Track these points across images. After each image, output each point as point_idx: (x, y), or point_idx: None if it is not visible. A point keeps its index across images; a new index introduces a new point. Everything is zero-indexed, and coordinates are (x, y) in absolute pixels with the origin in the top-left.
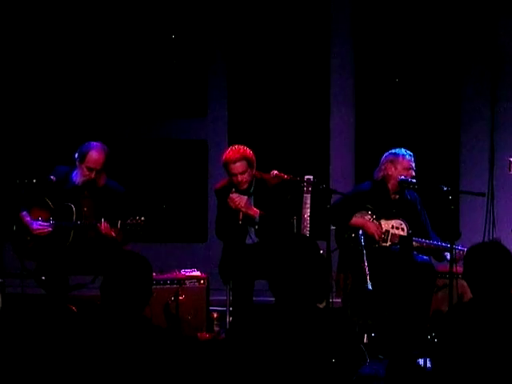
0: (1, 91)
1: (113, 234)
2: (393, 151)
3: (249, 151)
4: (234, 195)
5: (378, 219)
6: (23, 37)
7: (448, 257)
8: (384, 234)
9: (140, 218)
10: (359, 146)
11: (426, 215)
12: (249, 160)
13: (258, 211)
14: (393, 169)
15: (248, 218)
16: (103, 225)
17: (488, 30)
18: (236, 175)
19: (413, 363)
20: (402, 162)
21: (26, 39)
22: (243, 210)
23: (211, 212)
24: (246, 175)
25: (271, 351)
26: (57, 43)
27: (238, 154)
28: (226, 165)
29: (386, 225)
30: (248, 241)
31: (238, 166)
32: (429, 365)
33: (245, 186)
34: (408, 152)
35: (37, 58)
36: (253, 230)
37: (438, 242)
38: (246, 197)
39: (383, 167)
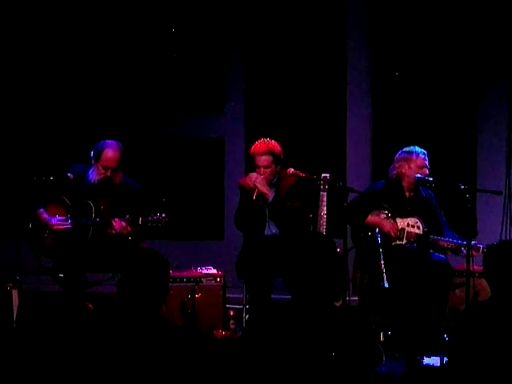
0: (19, 89)
1: (129, 229)
2: (406, 149)
3: (277, 147)
4: (253, 173)
5: (394, 217)
6: (39, 33)
7: (464, 251)
8: (399, 232)
9: (161, 215)
10: (376, 144)
11: (441, 213)
12: (275, 156)
13: (273, 193)
14: (406, 167)
15: (262, 198)
16: (116, 223)
17: (506, 27)
18: (260, 168)
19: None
20: (415, 161)
21: (41, 35)
22: (259, 186)
23: (228, 209)
24: (269, 170)
25: (287, 349)
26: (74, 39)
27: (265, 147)
28: (253, 156)
29: (401, 223)
30: (267, 232)
31: (264, 160)
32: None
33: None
34: (422, 150)
35: (53, 54)
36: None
37: (452, 239)
38: (263, 176)
39: (397, 165)
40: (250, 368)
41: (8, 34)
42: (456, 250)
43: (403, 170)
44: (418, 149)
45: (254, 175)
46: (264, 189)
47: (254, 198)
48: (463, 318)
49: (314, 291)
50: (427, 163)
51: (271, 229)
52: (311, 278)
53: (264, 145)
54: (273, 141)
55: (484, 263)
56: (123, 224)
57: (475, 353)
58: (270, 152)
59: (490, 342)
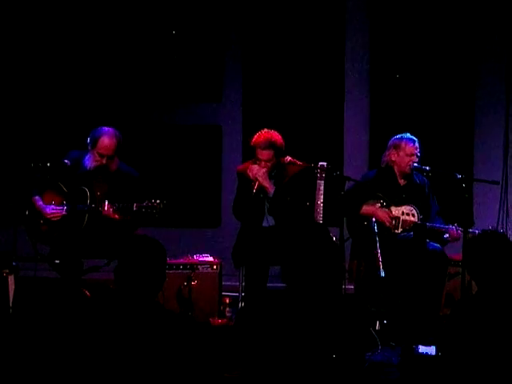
0: (16, 76)
1: (116, 216)
2: (397, 136)
3: (280, 140)
4: (254, 166)
5: (388, 206)
6: (38, 22)
7: (446, 236)
8: (395, 220)
9: (156, 201)
10: (373, 133)
11: (433, 200)
12: (277, 149)
13: (274, 187)
14: (396, 154)
15: (263, 191)
16: (106, 207)
17: (504, 15)
18: (261, 161)
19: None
20: (404, 148)
21: (41, 24)
22: (260, 179)
23: (225, 197)
24: (269, 163)
25: (282, 337)
26: (72, 28)
27: (267, 141)
28: (254, 148)
29: (396, 211)
30: (264, 224)
31: (265, 154)
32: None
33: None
34: (411, 137)
35: (52, 42)
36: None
37: (439, 224)
38: (265, 169)
39: (387, 153)
40: (243, 355)
41: (7, 22)
42: (441, 241)
43: (393, 158)
44: (408, 136)
45: (255, 168)
46: (265, 183)
47: (255, 191)
48: (455, 312)
49: (309, 280)
50: (417, 151)
51: (269, 221)
52: (307, 268)
53: (266, 138)
54: (275, 133)
55: (465, 258)
56: (110, 211)
57: (467, 346)
58: (272, 146)
59: (480, 334)
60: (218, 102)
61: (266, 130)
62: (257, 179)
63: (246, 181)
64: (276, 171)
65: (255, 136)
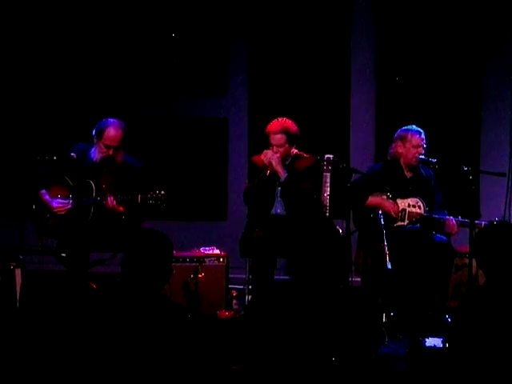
0: (22, 69)
1: (120, 209)
2: (403, 128)
3: (293, 127)
4: (268, 151)
5: (394, 198)
6: (41, 15)
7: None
8: (401, 212)
9: (160, 192)
10: (380, 125)
11: (438, 192)
12: (290, 135)
13: (286, 173)
14: (402, 146)
15: (275, 176)
16: (109, 200)
17: (510, 10)
18: (273, 146)
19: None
20: (410, 140)
21: (44, 17)
22: (273, 163)
23: (231, 190)
24: (282, 149)
25: (288, 330)
26: (75, 19)
27: (280, 126)
28: (268, 134)
29: (402, 203)
30: (272, 211)
31: (277, 138)
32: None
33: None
34: (418, 129)
35: (57, 35)
36: (279, 199)
37: (436, 215)
38: (278, 154)
39: (394, 145)
40: (250, 347)
41: (8, 17)
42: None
43: (399, 150)
44: (414, 128)
45: (269, 152)
46: (278, 167)
47: (267, 174)
48: (462, 303)
49: (315, 273)
50: (423, 142)
51: (277, 208)
52: (313, 261)
53: (279, 123)
54: (289, 120)
55: (474, 249)
56: (115, 203)
57: (475, 338)
58: (284, 131)
59: (488, 326)
60: (224, 95)
61: (280, 117)
62: (270, 163)
63: (259, 171)
64: (289, 162)
65: (269, 123)
